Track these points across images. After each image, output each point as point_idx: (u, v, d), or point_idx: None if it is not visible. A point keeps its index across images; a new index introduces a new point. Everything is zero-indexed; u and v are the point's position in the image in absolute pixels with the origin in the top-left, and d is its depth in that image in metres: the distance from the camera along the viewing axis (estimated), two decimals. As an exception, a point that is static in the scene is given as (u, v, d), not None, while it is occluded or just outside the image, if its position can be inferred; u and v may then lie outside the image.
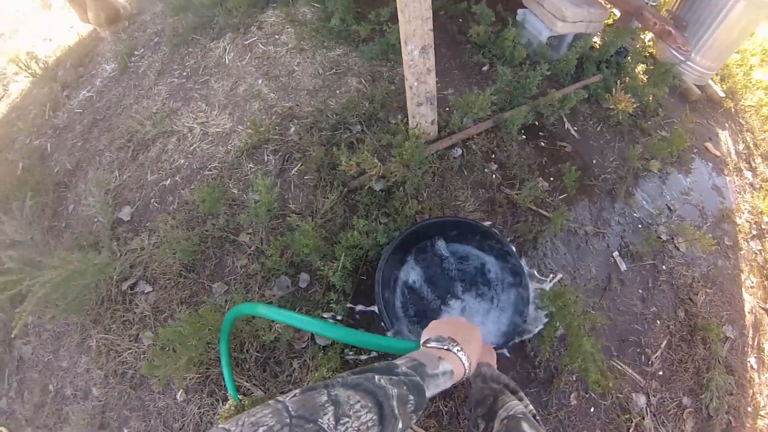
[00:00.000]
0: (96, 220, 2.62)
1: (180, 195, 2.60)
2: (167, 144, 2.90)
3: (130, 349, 2.16)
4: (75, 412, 2.17)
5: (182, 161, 2.78)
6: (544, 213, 2.56)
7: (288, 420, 0.58)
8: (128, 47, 3.79)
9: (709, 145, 3.68)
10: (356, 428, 0.63)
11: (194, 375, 1.96)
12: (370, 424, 0.65)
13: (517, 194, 2.52)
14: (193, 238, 2.31)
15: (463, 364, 0.91)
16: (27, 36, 5.11)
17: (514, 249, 2.03)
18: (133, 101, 3.35)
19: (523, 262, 2.06)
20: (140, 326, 2.21)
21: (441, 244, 2.07)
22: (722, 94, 4.13)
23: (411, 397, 0.74)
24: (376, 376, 0.73)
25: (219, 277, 2.25)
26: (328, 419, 0.61)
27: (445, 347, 0.91)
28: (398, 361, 0.82)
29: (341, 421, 0.61)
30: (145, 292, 2.30)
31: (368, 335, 1.01)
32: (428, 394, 0.80)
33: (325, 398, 0.64)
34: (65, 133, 3.44)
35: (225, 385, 1.86)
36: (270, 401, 0.62)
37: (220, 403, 1.91)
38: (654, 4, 3.50)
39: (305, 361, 1.97)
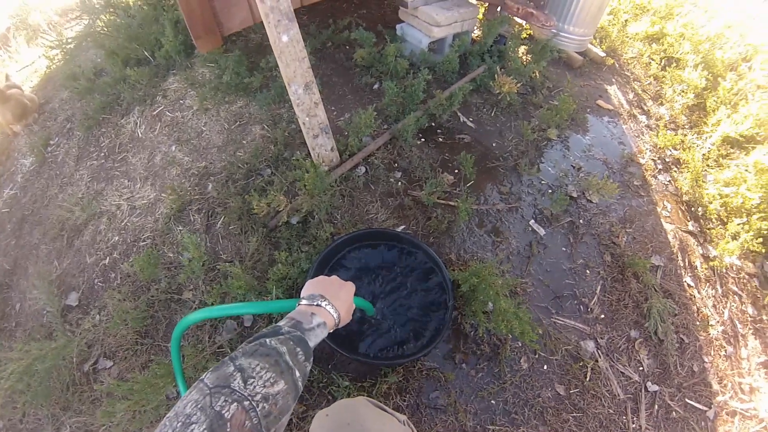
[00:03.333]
0: (45, 311, 2.71)
1: (121, 269, 2.72)
2: (99, 225, 3.01)
3: (105, 425, 2.24)
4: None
5: (116, 238, 2.90)
6: (452, 204, 2.78)
7: (207, 391, 0.74)
8: (42, 138, 3.85)
9: (600, 102, 4.01)
10: (262, 384, 0.78)
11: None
12: (272, 380, 0.80)
13: (423, 194, 2.74)
14: (141, 306, 2.46)
15: (332, 315, 1.10)
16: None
17: (422, 244, 2.25)
18: (57, 190, 3.43)
19: (433, 251, 2.26)
20: (110, 400, 2.30)
21: (354, 255, 2.27)
22: (603, 54, 4.51)
23: (298, 350, 0.90)
24: (267, 340, 0.88)
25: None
26: (238, 383, 0.76)
27: (315, 303, 1.10)
28: (281, 323, 0.98)
29: (248, 382, 0.77)
30: (107, 367, 2.41)
31: (258, 303, 1.23)
32: (311, 344, 0.97)
33: (232, 368, 0.79)
34: None
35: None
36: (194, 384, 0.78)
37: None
38: None
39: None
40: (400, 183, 2.84)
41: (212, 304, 2.26)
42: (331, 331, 1.11)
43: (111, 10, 4.18)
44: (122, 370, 2.39)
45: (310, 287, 1.17)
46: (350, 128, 2.84)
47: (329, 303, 1.11)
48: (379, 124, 3.07)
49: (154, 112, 3.46)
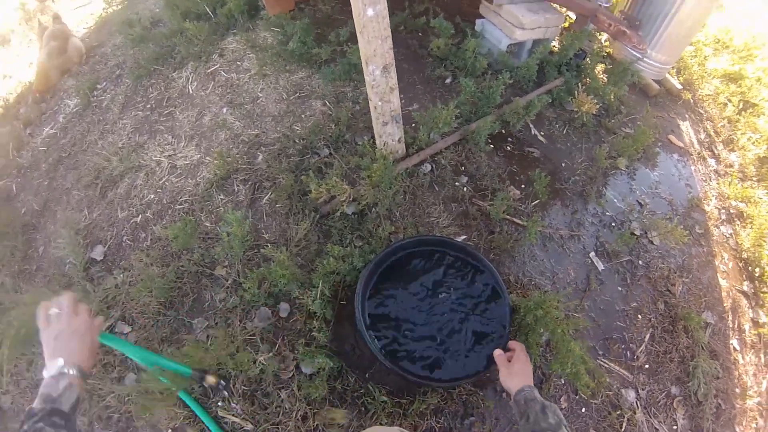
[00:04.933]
0: (68, 260, 2.55)
1: (152, 231, 2.55)
2: (136, 179, 2.85)
3: (113, 392, 2.08)
4: (61, 460, 2.10)
5: (152, 196, 2.73)
6: (518, 222, 2.58)
7: None
8: (90, 81, 3.73)
9: (672, 137, 3.77)
10: None
11: (181, 411, 1.92)
12: None
13: (489, 205, 2.54)
14: (169, 275, 2.26)
15: (73, 374, 1.11)
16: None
17: (489, 264, 2.03)
18: (98, 137, 3.29)
19: (498, 275, 2.05)
20: (122, 368, 2.14)
21: (416, 263, 2.05)
22: (680, 87, 4.25)
23: (54, 419, 0.99)
24: (24, 427, 0.98)
25: (199, 313, 2.21)
26: None
27: (55, 373, 1.10)
28: (34, 404, 1.03)
29: None
30: (125, 332, 2.23)
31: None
32: (66, 406, 1.04)
33: None
34: (30, 173, 3.36)
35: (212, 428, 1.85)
36: None
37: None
38: (607, 5, 3.58)
39: (292, 390, 1.94)
40: (465, 189, 2.62)
41: (248, 289, 2.06)
42: (87, 376, 1.16)
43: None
44: (139, 339, 2.20)
45: (45, 349, 1.17)
46: (424, 121, 2.62)
47: (64, 365, 1.11)
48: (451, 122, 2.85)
49: (209, 70, 3.28)
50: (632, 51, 3.86)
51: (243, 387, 1.96)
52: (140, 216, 2.65)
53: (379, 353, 1.73)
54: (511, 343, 1.62)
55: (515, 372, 1.48)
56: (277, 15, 3.19)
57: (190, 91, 3.22)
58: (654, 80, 4.09)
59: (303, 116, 2.87)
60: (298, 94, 3.01)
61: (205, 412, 1.87)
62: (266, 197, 2.49)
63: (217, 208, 2.51)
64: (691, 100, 4.31)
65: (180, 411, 1.92)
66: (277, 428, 1.87)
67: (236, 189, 2.56)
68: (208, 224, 2.46)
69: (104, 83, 3.74)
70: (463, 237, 2.44)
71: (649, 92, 4.05)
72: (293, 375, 1.98)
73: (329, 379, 1.92)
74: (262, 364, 1.95)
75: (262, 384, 1.98)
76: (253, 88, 3.09)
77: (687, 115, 4.13)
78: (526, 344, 2.06)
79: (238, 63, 3.28)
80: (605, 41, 4.20)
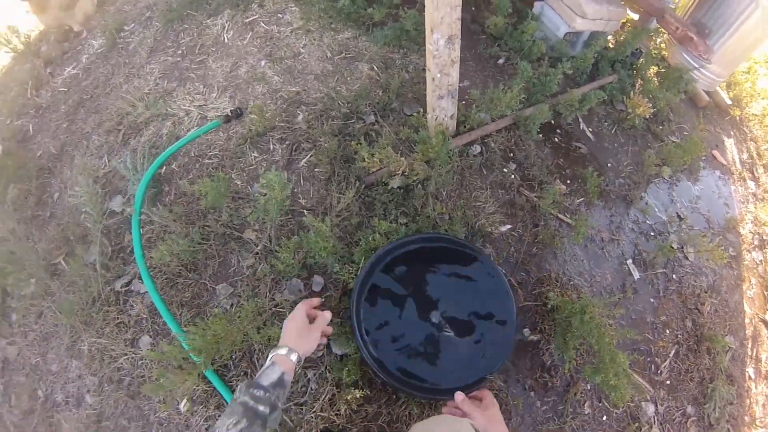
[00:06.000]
0: (84, 210, 2.37)
1: (177, 185, 2.37)
2: (161, 128, 2.66)
3: (126, 354, 1.95)
4: (68, 420, 1.97)
5: (179, 147, 2.55)
6: (564, 218, 2.45)
7: None
8: (117, 22, 3.53)
9: (716, 152, 3.66)
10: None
11: (197, 386, 1.79)
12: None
13: (537, 197, 2.41)
14: (193, 235, 2.09)
15: (289, 359, 1.33)
16: (7, 9, 4.75)
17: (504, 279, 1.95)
18: (123, 80, 3.10)
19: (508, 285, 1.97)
20: (136, 330, 2.00)
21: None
22: (729, 102, 4.11)
23: (252, 390, 1.20)
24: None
25: (223, 278, 2.04)
26: None
27: (274, 354, 1.35)
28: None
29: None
30: (141, 292, 2.08)
31: None
32: (264, 379, 1.25)
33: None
34: (49, 114, 3.18)
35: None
36: None
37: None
38: (674, 7, 3.42)
39: (322, 371, 1.81)
40: (513, 177, 2.47)
41: (283, 258, 1.88)
42: (298, 362, 1.35)
43: None
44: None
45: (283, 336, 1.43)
46: (482, 101, 2.45)
47: (288, 350, 1.34)
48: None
49: (247, 20, 3.08)
50: (689, 58, 3.70)
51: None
52: (164, 168, 2.47)
53: (371, 360, 1.69)
54: (481, 393, 1.56)
55: (496, 418, 1.41)
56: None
57: (226, 40, 3.02)
58: (705, 91, 3.94)
59: (349, 78, 2.69)
60: (344, 54, 2.82)
61: (226, 387, 1.75)
62: (305, 159, 2.31)
63: (251, 167, 2.33)
64: (738, 118, 4.18)
65: (197, 386, 1.79)
66: (302, 409, 1.74)
67: (272, 148, 2.38)
68: (239, 183, 2.29)
69: (132, 25, 3.54)
70: (508, 227, 2.30)
71: (698, 103, 3.90)
72: (323, 355, 1.84)
73: (361, 363, 1.78)
74: None
75: None
76: (294, 43, 2.89)
77: (732, 132, 4.01)
78: (563, 346, 2.04)
79: (279, 15, 3.07)
80: (660, 43, 4.03)
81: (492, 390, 1.93)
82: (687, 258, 2.81)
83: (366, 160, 1.99)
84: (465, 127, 2.42)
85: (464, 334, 1.82)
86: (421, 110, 2.28)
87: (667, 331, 2.51)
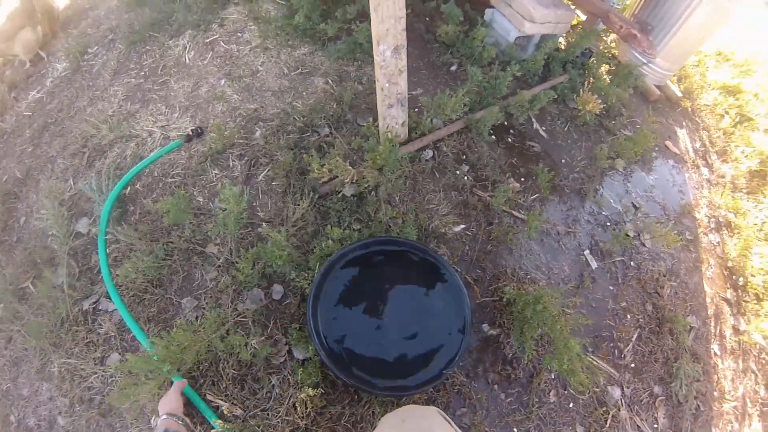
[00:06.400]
0: (50, 232, 2.42)
1: (142, 204, 2.44)
2: (125, 149, 2.73)
3: (96, 373, 2.01)
4: (40, 444, 2.01)
5: (142, 167, 2.62)
6: (518, 215, 2.55)
7: None
8: (80, 45, 3.58)
9: (668, 143, 3.79)
10: None
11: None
12: None
13: (490, 196, 2.51)
14: (158, 252, 2.17)
15: (170, 420, 1.64)
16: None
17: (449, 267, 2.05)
18: (87, 103, 3.16)
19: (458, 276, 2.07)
20: (105, 348, 2.06)
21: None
22: (680, 94, 4.27)
23: None
24: None
25: (188, 292, 2.12)
26: None
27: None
28: None
29: None
30: (109, 310, 2.14)
31: None
32: None
33: None
34: (13, 138, 3.23)
35: (202, 410, 1.79)
36: None
37: (198, 428, 1.81)
38: (618, 7, 3.56)
39: (285, 376, 1.88)
40: (466, 178, 2.58)
41: (242, 269, 1.97)
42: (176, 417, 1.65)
43: None
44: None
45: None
46: (430, 107, 2.56)
47: (165, 417, 1.63)
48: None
49: (207, 40, 3.17)
50: (638, 55, 3.85)
51: (233, 371, 1.90)
52: (129, 188, 2.54)
53: (329, 361, 1.76)
54: None
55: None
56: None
57: (187, 61, 3.11)
58: (655, 86, 4.09)
59: (304, 93, 2.79)
60: (300, 70, 2.92)
61: (197, 395, 1.81)
62: (263, 174, 2.41)
63: (211, 183, 2.42)
64: (690, 109, 4.34)
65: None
66: (267, 414, 1.81)
67: (232, 164, 2.47)
68: (200, 199, 2.38)
69: (95, 47, 3.59)
70: (462, 227, 2.40)
71: (649, 97, 4.05)
72: (285, 360, 1.92)
73: (322, 366, 1.86)
74: (254, 347, 1.89)
75: (252, 368, 1.92)
76: (253, 61, 2.99)
77: (684, 123, 4.16)
78: (522, 338, 2.12)
79: (239, 34, 3.17)
80: (611, 42, 4.18)
81: (455, 385, 2.02)
82: (644, 245, 2.92)
83: (317, 171, 2.08)
84: (417, 133, 2.53)
85: (419, 332, 1.91)
86: (372, 120, 2.37)
87: (629, 316, 2.59)
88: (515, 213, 2.56)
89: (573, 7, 3.59)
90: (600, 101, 3.24)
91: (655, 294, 2.75)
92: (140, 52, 3.31)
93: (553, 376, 2.20)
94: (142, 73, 3.16)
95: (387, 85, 2.23)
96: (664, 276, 2.84)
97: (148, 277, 2.13)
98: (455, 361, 1.87)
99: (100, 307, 2.16)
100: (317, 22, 3.00)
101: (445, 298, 2.00)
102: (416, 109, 2.73)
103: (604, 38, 4.10)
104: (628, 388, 2.37)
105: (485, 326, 2.20)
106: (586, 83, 3.41)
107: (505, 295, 2.20)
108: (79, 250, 2.35)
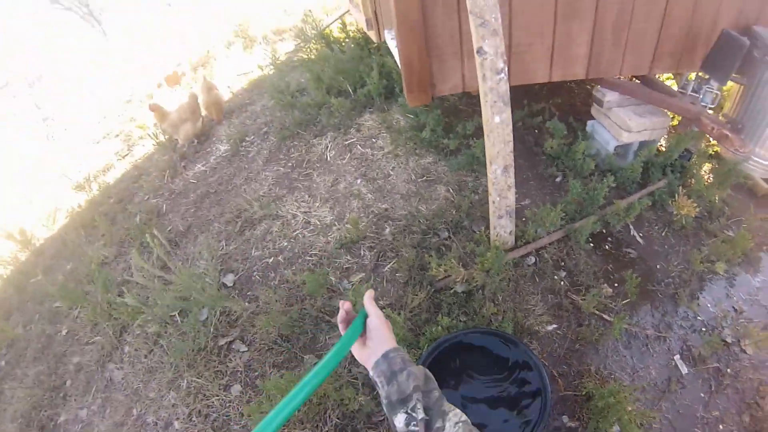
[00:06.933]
0: (203, 279, 3.04)
1: (282, 273, 3.02)
2: (272, 226, 3.36)
3: (218, 395, 2.50)
4: (153, 439, 2.51)
5: (285, 243, 3.22)
6: (606, 318, 2.75)
7: None
8: (240, 133, 4.42)
9: (781, 239, 3.59)
10: None
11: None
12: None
13: (582, 299, 2.75)
14: (293, 314, 2.71)
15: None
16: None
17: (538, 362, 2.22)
18: (242, 182, 3.90)
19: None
20: (231, 379, 2.57)
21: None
22: (791, 185, 3.98)
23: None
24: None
25: (311, 350, 2.61)
26: None
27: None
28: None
29: None
30: (241, 351, 2.69)
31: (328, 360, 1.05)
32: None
33: None
34: (180, 198, 4.02)
35: None
36: None
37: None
38: (712, 106, 3.70)
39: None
40: (563, 283, 2.86)
41: None
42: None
43: (323, 41, 4.71)
44: (253, 359, 2.65)
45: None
46: (534, 218, 2.93)
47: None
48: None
49: (346, 142, 3.82)
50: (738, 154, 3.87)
51: (337, 419, 2.29)
52: (272, 258, 3.15)
53: None
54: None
55: (389, 327, 1.19)
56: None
57: (328, 158, 3.76)
58: (764, 179, 3.89)
59: (429, 199, 3.25)
60: (425, 177, 3.40)
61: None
62: (388, 266, 2.90)
63: (344, 267, 2.95)
64: None
65: None
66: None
67: (362, 254, 3.00)
68: (333, 279, 2.90)
69: (252, 137, 4.41)
70: (554, 326, 2.67)
71: (757, 192, 3.86)
72: (384, 419, 2.28)
73: None
74: (361, 403, 2.26)
75: (354, 421, 2.28)
76: (385, 165, 3.56)
77: None
78: (594, 429, 2.23)
79: (373, 140, 3.77)
80: (713, 141, 4.23)
81: None
82: (744, 351, 2.80)
83: (434, 269, 2.54)
84: (522, 241, 2.89)
85: (503, 412, 2.13)
86: (485, 228, 2.80)
87: (721, 426, 2.48)
88: (605, 316, 2.76)
89: (669, 113, 3.77)
90: (696, 204, 3.30)
91: (755, 404, 2.60)
92: (289, 146, 4.04)
93: (632, 477, 2.22)
94: (290, 164, 3.87)
95: (498, 198, 2.66)
96: (767, 385, 2.68)
97: (281, 333, 2.66)
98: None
99: (233, 347, 2.71)
100: (441, 136, 3.50)
101: (529, 382, 2.18)
102: (523, 219, 3.08)
103: (707, 137, 4.15)
104: (714, 507, 2.26)
105: (565, 418, 2.36)
106: (682, 187, 3.50)
107: (585, 389, 2.35)
108: (224, 296, 2.94)
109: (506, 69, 2.41)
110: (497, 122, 2.48)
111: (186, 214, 3.83)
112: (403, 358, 1.08)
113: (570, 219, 3.09)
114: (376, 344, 1.11)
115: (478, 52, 2.37)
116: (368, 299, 1.21)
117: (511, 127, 2.50)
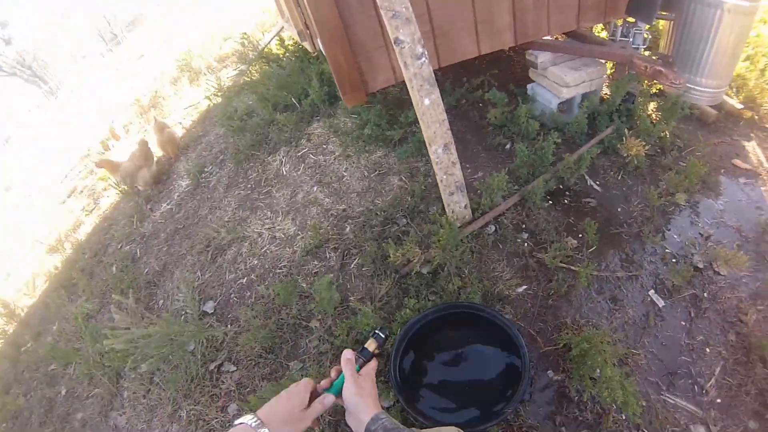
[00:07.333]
0: (184, 311, 3.16)
1: (256, 290, 3.08)
2: (241, 248, 3.43)
3: (217, 418, 2.57)
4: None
5: (255, 262, 3.29)
6: (574, 269, 2.78)
7: None
8: (198, 165, 4.47)
9: (736, 161, 3.63)
10: None
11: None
12: None
13: (547, 256, 2.79)
14: (271, 326, 2.79)
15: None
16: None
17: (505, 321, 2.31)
18: (207, 212, 3.96)
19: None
20: (226, 399, 2.65)
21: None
22: (740, 107, 4.05)
23: None
24: None
25: (295, 357, 2.69)
26: None
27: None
28: None
29: None
30: (231, 371, 2.76)
31: None
32: None
33: None
34: (151, 240, 4.09)
35: None
36: None
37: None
38: (644, 47, 3.77)
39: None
40: (526, 244, 2.91)
41: (338, 336, 2.53)
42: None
43: (263, 60, 4.78)
44: (243, 377, 2.72)
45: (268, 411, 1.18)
46: (483, 188, 2.99)
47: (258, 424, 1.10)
48: (511, 185, 3.16)
49: (299, 154, 3.88)
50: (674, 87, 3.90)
51: (329, 417, 2.35)
52: (245, 278, 3.21)
53: (406, 404, 2.10)
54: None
55: (368, 391, 1.21)
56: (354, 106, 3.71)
57: (284, 172, 3.82)
58: (711, 106, 4.01)
59: (383, 191, 3.34)
60: (377, 171, 3.49)
61: None
62: (354, 262, 2.96)
63: (313, 272, 3.01)
64: (755, 117, 4.05)
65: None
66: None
67: (328, 256, 3.06)
68: (304, 285, 2.96)
69: (210, 167, 4.47)
70: (524, 288, 2.71)
71: (707, 120, 3.96)
72: None
73: (402, 411, 2.21)
74: None
75: (344, 414, 2.31)
76: (338, 168, 3.63)
77: (752, 134, 3.90)
78: (579, 378, 2.24)
79: (324, 146, 3.85)
80: (650, 78, 4.25)
81: (522, 427, 2.22)
82: (718, 273, 2.82)
83: (392, 256, 2.62)
84: (479, 212, 2.96)
85: (487, 380, 2.23)
86: (441, 208, 2.86)
87: (707, 350, 2.50)
88: (572, 267, 2.79)
89: (602, 60, 3.84)
90: (644, 142, 3.35)
91: (738, 322, 2.61)
92: (246, 168, 4.11)
93: (623, 417, 2.22)
94: (249, 185, 3.92)
95: (445, 177, 2.71)
96: (747, 301, 2.70)
97: (263, 346, 2.73)
98: (519, 400, 2.10)
99: (223, 368, 2.79)
100: (385, 129, 3.58)
101: (506, 346, 2.27)
102: (478, 191, 3.13)
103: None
104: (715, 426, 2.25)
105: (550, 372, 2.39)
106: (628, 129, 3.57)
107: (561, 341, 2.40)
108: (206, 324, 3.01)
109: (426, 53, 2.47)
110: (427, 104, 2.54)
111: (159, 254, 3.89)
112: (386, 427, 1.09)
113: (524, 182, 3.15)
114: (357, 415, 1.16)
115: (395, 42, 2.43)
116: (344, 362, 1.25)
117: (442, 106, 2.56)
